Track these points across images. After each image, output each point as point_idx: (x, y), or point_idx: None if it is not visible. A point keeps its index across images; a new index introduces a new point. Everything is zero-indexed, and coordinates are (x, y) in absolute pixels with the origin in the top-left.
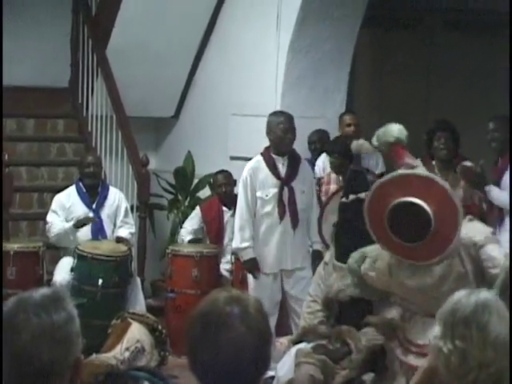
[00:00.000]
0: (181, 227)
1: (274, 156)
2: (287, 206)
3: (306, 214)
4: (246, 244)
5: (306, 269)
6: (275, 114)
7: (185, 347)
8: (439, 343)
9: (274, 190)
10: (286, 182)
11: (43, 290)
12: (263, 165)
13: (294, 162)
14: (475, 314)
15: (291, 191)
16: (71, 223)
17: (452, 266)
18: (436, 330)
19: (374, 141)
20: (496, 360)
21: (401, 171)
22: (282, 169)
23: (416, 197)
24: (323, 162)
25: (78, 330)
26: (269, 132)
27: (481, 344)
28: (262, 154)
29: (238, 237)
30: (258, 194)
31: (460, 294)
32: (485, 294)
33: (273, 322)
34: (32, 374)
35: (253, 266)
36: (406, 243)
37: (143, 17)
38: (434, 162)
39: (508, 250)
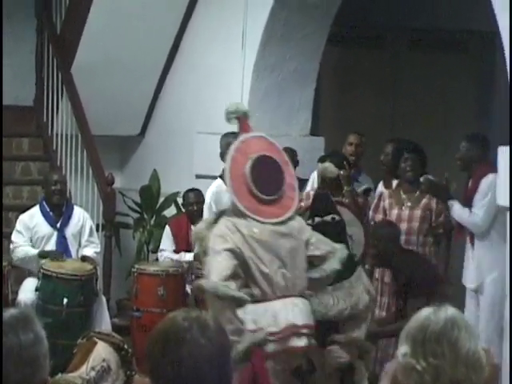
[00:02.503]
0: (147, 247)
1: None
2: None
3: None
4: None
5: None
6: (225, 134)
7: (147, 366)
8: (411, 361)
9: None
10: None
11: (11, 311)
12: (224, 187)
13: None
14: (445, 329)
15: None
16: (35, 251)
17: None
18: (403, 348)
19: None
20: (467, 376)
21: (254, 133)
22: None
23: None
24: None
25: (46, 351)
26: (222, 154)
27: (453, 360)
28: (220, 176)
29: None
30: None
31: (427, 312)
32: (451, 311)
33: None
34: None
35: None
36: (267, 196)
37: (108, 35)
38: (395, 181)
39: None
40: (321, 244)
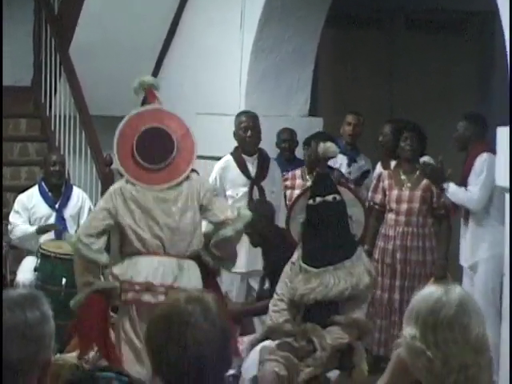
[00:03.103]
0: None
1: (244, 156)
2: None
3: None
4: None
5: None
6: (238, 114)
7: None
8: (421, 346)
9: (244, 189)
10: (256, 181)
11: (21, 290)
12: (233, 164)
13: (263, 162)
14: (457, 315)
15: (261, 191)
16: (34, 228)
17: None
18: (411, 329)
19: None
20: (475, 361)
21: (150, 106)
22: (252, 168)
23: (165, 125)
24: None
25: (52, 332)
26: (235, 133)
27: (463, 345)
28: (231, 153)
29: None
30: (229, 192)
31: (437, 293)
32: (461, 292)
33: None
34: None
35: None
36: (150, 165)
37: (106, 15)
38: (393, 162)
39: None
40: (218, 211)
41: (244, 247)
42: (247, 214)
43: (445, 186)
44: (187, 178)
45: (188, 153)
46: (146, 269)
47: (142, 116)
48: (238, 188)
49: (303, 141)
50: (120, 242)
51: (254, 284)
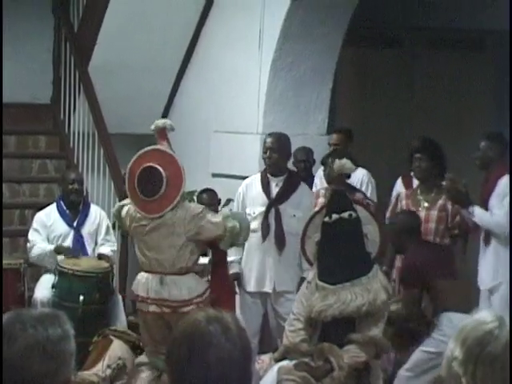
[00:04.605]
0: None
1: (269, 175)
2: (273, 228)
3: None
4: (231, 258)
5: (294, 293)
6: (267, 135)
7: (168, 369)
8: (459, 372)
9: (261, 209)
10: (274, 202)
11: (43, 309)
12: (257, 182)
13: (288, 184)
14: (504, 354)
15: (278, 213)
16: (52, 247)
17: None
18: (456, 349)
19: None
20: None
21: (152, 147)
22: (275, 189)
23: (157, 164)
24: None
25: (73, 350)
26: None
27: (497, 379)
28: (261, 172)
29: None
30: (247, 210)
31: (491, 324)
32: (508, 329)
33: (255, 340)
34: None
35: (234, 280)
36: (146, 198)
37: (125, 34)
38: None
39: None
40: (205, 232)
41: (254, 266)
42: (247, 225)
43: (470, 209)
44: (176, 207)
45: (177, 187)
46: (138, 283)
47: (144, 156)
48: (256, 206)
49: (320, 160)
50: None
51: (275, 304)
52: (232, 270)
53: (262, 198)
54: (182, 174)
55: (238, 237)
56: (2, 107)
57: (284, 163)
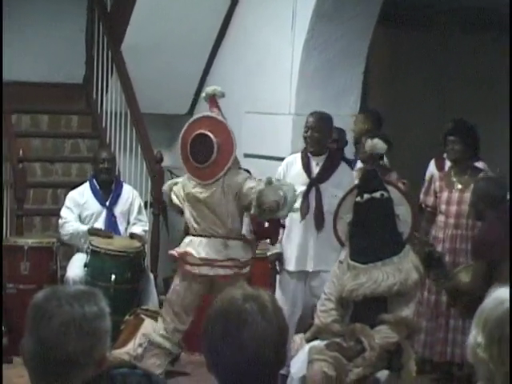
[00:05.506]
0: None
1: (309, 155)
2: (313, 207)
3: None
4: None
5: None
6: (309, 114)
7: (203, 346)
8: (484, 357)
9: (302, 188)
10: (314, 182)
11: (79, 286)
12: (298, 161)
13: (329, 164)
14: None
15: (318, 192)
16: (85, 228)
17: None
18: (478, 336)
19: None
20: None
21: (202, 114)
22: (315, 168)
23: (208, 130)
24: None
25: (108, 328)
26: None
27: None
28: (302, 151)
29: None
30: None
31: (507, 303)
32: None
33: (294, 320)
34: (57, 361)
35: (275, 260)
36: (198, 164)
37: (158, 14)
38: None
39: None
40: (245, 197)
41: (294, 245)
42: (293, 198)
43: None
44: (229, 172)
45: (228, 153)
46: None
47: (195, 123)
48: (297, 185)
49: (353, 140)
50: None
51: (312, 285)
52: (273, 250)
53: (302, 177)
54: (232, 140)
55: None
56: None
57: (325, 142)
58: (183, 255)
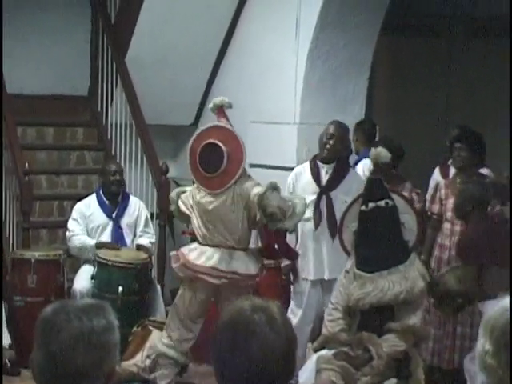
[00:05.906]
0: None
1: (318, 163)
2: (325, 215)
3: None
4: None
5: None
6: (329, 123)
7: (212, 357)
8: (492, 364)
9: (312, 197)
10: (324, 190)
11: (87, 300)
12: (307, 170)
13: (339, 170)
14: None
15: (329, 200)
16: (93, 242)
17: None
18: (486, 344)
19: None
20: None
21: (211, 124)
22: (325, 176)
23: (218, 140)
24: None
25: (117, 341)
26: (319, 140)
27: None
28: (310, 160)
29: None
30: None
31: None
32: None
33: (308, 329)
34: (66, 375)
35: (289, 270)
36: (207, 174)
37: (162, 25)
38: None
39: None
40: (252, 204)
41: (310, 254)
42: (302, 211)
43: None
44: (238, 182)
45: (238, 162)
46: (200, 255)
47: (204, 133)
48: (307, 195)
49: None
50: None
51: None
52: (286, 261)
53: (312, 186)
54: (242, 149)
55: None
56: (3, 101)
57: (343, 151)
58: (189, 263)
